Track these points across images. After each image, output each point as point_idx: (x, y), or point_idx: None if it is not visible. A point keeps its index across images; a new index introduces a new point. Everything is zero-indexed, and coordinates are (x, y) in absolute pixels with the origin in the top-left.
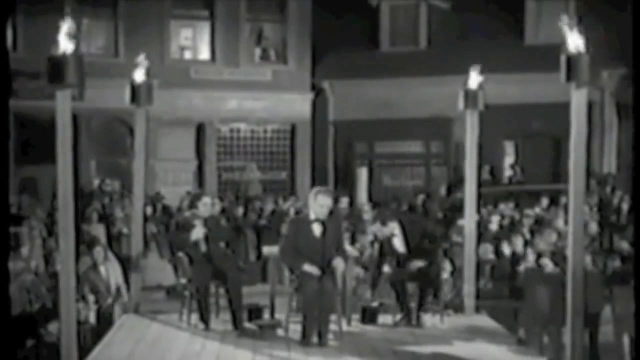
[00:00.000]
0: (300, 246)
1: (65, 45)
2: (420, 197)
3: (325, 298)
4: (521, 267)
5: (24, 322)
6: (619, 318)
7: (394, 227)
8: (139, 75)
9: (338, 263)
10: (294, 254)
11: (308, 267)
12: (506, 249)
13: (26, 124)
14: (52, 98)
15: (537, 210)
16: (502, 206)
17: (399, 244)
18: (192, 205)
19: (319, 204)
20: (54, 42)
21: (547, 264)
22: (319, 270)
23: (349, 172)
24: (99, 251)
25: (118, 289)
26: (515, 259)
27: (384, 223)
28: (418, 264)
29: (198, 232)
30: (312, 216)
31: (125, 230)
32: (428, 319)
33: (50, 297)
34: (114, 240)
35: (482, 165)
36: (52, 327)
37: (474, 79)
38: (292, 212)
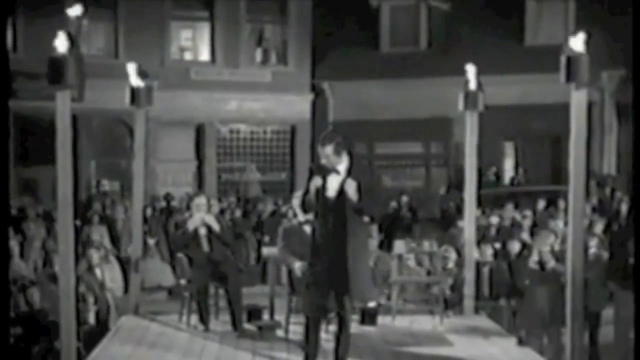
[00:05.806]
0: (295, 248)
1: (65, 46)
2: (404, 199)
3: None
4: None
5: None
6: (621, 320)
7: None
8: (134, 81)
9: None
10: (289, 254)
11: (298, 264)
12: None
13: (26, 125)
14: (52, 99)
15: (537, 211)
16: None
17: None
18: (189, 206)
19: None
20: (54, 42)
21: (549, 261)
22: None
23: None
24: (92, 253)
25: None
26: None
27: None
28: None
29: (195, 221)
30: (302, 219)
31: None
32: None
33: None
34: (114, 242)
35: (488, 167)
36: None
37: (471, 78)
38: (291, 213)
